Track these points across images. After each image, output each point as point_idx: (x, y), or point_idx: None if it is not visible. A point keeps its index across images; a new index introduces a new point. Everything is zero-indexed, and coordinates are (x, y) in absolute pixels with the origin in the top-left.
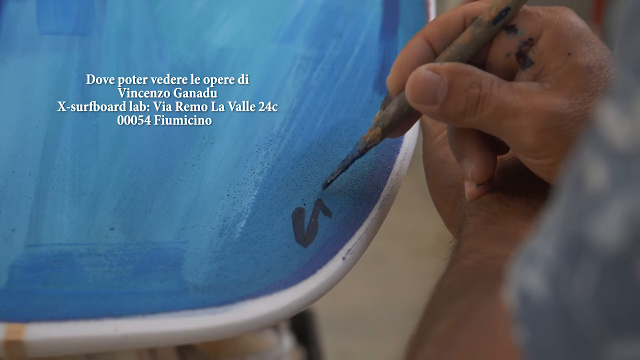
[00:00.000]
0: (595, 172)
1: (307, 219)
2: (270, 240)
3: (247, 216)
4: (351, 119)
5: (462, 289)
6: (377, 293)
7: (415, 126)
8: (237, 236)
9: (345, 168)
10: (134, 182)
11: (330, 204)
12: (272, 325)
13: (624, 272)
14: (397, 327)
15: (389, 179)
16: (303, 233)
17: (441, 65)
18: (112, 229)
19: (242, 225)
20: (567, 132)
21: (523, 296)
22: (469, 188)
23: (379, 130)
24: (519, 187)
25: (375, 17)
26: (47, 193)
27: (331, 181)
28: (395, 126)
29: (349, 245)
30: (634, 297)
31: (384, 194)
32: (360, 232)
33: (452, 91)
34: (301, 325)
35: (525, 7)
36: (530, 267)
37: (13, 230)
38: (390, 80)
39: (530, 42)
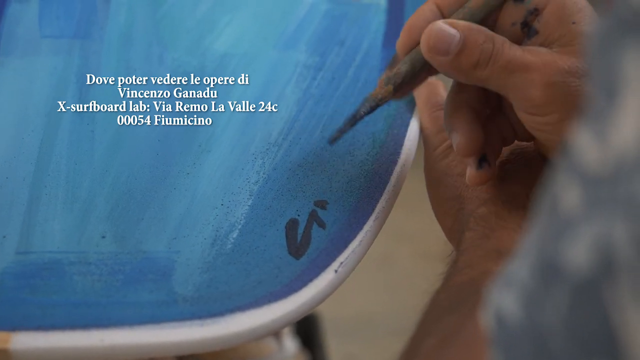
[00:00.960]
0: (568, 196)
1: (300, 231)
2: (263, 251)
3: (240, 227)
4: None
5: (453, 306)
6: (383, 296)
7: (415, 137)
8: (229, 247)
9: (353, 124)
10: (127, 190)
11: (325, 215)
12: (262, 337)
13: (593, 298)
14: (403, 331)
15: (385, 191)
16: (296, 245)
17: (457, 21)
18: (103, 237)
19: (234, 236)
20: (574, 89)
21: (499, 319)
22: (469, 171)
23: (390, 87)
24: (517, 202)
25: (379, 25)
26: (40, 199)
27: (338, 137)
28: (407, 84)
29: (341, 258)
30: (602, 322)
31: (379, 206)
32: (354, 245)
33: (467, 45)
34: (306, 328)
35: None
36: (507, 290)
37: (4, 237)
38: (400, 41)
39: (536, 12)
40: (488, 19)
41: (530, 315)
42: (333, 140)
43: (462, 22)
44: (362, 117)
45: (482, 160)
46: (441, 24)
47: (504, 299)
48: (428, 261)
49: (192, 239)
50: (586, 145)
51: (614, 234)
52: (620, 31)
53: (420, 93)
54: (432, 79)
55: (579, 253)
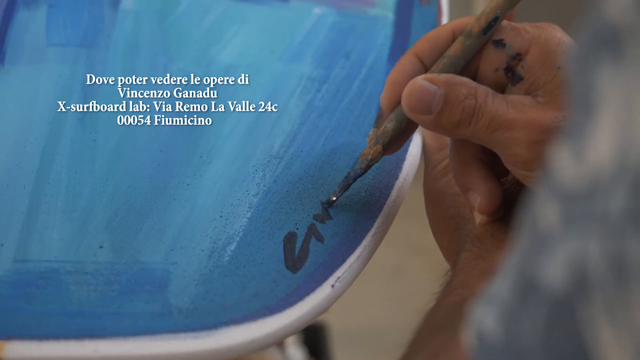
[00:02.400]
0: (546, 213)
1: (298, 244)
2: (260, 264)
3: (238, 239)
4: (352, 142)
5: (443, 325)
6: (393, 309)
7: (417, 152)
8: (226, 259)
9: (348, 187)
10: (127, 200)
11: (323, 229)
12: (256, 351)
13: (568, 316)
14: None
15: (385, 206)
16: (293, 259)
17: (437, 76)
18: (101, 247)
19: (232, 248)
20: None
21: (479, 336)
22: (479, 218)
23: (379, 147)
24: (513, 223)
25: (385, 38)
26: (39, 208)
27: (332, 202)
28: (395, 141)
29: (339, 272)
30: (577, 341)
31: (378, 221)
32: (352, 260)
33: (448, 102)
34: (314, 339)
35: (512, 23)
36: (488, 307)
37: (2, 245)
38: (384, 97)
39: (519, 57)
40: (470, 65)
41: (509, 333)
42: (329, 205)
43: (442, 77)
44: (354, 180)
45: None
46: (421, 81)
47: (485, 316)
48: (439, 274)
49: (190, 250)
50: (564, 162)
51: (588, 251)
52: (596, 46)
53: None
54: None
55: (555, 271)
